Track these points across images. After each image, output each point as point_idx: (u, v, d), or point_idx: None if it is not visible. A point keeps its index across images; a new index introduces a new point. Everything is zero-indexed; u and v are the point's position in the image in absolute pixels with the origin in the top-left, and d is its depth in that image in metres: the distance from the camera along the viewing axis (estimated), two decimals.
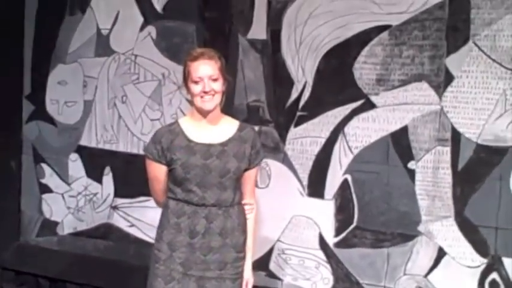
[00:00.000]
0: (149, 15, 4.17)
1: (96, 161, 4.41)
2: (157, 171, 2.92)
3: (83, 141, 4.46)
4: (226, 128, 2.90)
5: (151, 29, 4.17)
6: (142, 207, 4.20)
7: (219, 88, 2.82)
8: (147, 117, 4.21)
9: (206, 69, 2.80)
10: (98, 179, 4.41)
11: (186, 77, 2.85)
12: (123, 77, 4.28)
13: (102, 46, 4.33)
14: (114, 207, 4.36)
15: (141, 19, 4.19)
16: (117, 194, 4.34)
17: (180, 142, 2.86)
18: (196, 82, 2.79)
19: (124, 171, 4.28)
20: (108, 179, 4.38)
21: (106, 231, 4.40)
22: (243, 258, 2.94)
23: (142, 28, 4.20)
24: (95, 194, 4.42)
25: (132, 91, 4.25)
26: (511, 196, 3.22)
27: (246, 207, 2.97)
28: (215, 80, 2.81)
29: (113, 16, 4.28)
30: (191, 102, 2.90)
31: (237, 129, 2.91)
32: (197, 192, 2.83)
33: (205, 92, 2.79)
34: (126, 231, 4.32)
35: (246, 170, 2.92)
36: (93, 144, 4.43)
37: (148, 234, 4.12)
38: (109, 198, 4.38)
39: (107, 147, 4.37)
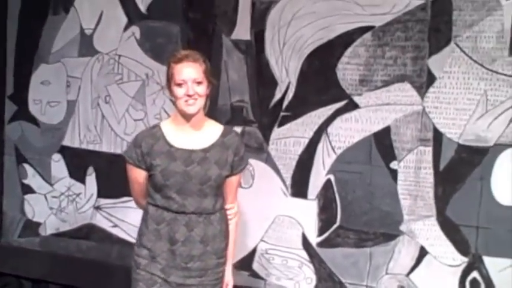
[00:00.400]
0: (133, 15, 4.15)
1: (79, 162, 4.39)
2: (137, 175, 2.88)
3: (66, 142, 4.43)
4: (209, 133, 2.85)
5: (135, 29, 4.16)
6: (125, 208, 4.18)
7: (202, 92, 2.77)
8: (131, 118, 4.20)
9: (190, 72, 2.74)
10: (81, 180, 4.39)
11: (170, 79, 2.79)
12: (106, 77, 4.26)
13: (86, 46, 4.31)
14: (97, 208, 4.34)
15: (125, 19, 4.18)
16: (100, 194, 4.32)
17: (160, 147, 2.80)
18: (179, 85, 2.74)
19: (107, 171, 4.27)
20: (91, 179, 4.36)
21: (89, 231, 4.37)
22: (224, 263, 2.92)
23: (126, 28, 4.18)
24: (78, 195, 4.40)
25: (115, 91, 4.24)
26: (491, 196, 3.25)
27: (228, 212, 2.94)
28: (199, 83, 2.75)
29: (97, 16, 4.26)
30: (174, 104, 2.85)
31: (220, 134, 2.86)
32: (177, 199, 2.78)
33: (189, 96, 2.73)
34: (109, 231, 4.31)
35: (228, 176, 2.88)
36: (76, 145, 4.41)
37: (131, 235, 4.11)
38: (92, 198, 4.36)
39: (90, 147, 4.35)
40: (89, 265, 4.29)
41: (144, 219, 2.89)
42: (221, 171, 2.82)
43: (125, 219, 4.21)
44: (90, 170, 4.35)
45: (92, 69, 4.31)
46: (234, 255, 3.06)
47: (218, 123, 2.94)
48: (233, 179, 2.92)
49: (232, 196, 2.97)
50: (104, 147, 4.30)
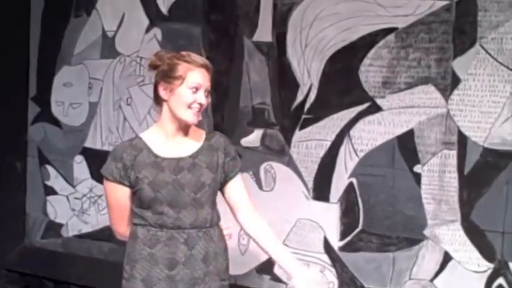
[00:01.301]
0: (155, 17, 4.16)
1: (101, 163, 4.35)
2: (119, 195, 2.59)
3: (88, 143, 4.45)
4: (194, 139, 2.64)
5: (156, 31, 4.16)
6: None
7: (207, 103, 2.60)
8: (152, 120, 4.19)
9: (206, 80, 2.56)
10: (103, 181, 4.39)
11: (178, 79, 2.52)
12: (128, 79, 4.27)
13: (108, 48, 4.33)
14: None
15: (146, 21, 4.18)
16: None
17: (144, 158, 2.54)
18: (193, 90, 2.52)
19: None
20: None
21: (111, 233, 4.27)
22: (227, 286, 2.67)
23: (147, 30, 4.19)
24: (100, 196, 4.41)
25: (137, 93, 4.24)
26: None
27: (251, 212, 2.70)
28: (208, 94, 2.59)
29: (119, 18, 4.27)
30: (160, 110, 2.60)
31: (205, 138, 2.66)
32: (170, 213, 2.51)
33: (200, 104, 2.53)
34: None
35: (226, 182, 2.65)
36: (98, 146, 4.42)
37: None
38: None
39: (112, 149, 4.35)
40: (110, 267, 4.29)
41: (133, 246, 2.58)
42: (215, 176, 2.60)
43: None
44: None
45: (113, 71, 4.33)
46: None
47: (200, 129, 2.73)
48: (235, 185, 2.67)
49: (247, 201, 2.68)
50: None
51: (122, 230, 2.68)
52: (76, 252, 4.47)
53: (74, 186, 4.52)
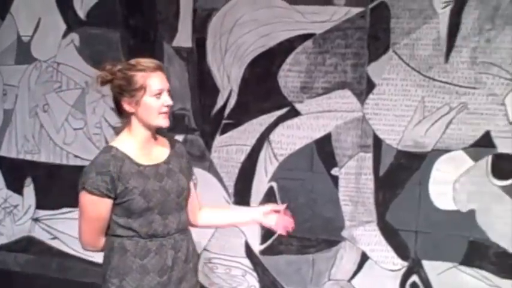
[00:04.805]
0: (72, 22, 4.08)
1: (16, 172, 4.27)
2: (102, 208, 2.50)
3: (3, 152, 4.31)
4: (162, 145, 2.64)
5: (74, 36, 4.08)
6: (65, 219, 4.09)
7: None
8: (70, 127, 4.11)
9: (165, 81, 2.54)
10: (19, 191, 4.28)
11: (140, 90, 2.48)
12: (45, 85, 4.17)
13: (23, 53, 4.21)
14: (36, 220, 4.23)
15: (63, 26, 4.10)
16: (39, 205, 4.21)
17: (128, 168, 2.50)
18: (157, 96, 2.49)
19: (46, 182, 4.16)
20: (29, 190, 4.25)
21: (27, 244, 4.26)
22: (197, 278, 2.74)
23: (65, 35, 4.11)
24: (15, 206, 4.29)
25: (54, 100, 4.15)
26: (429, 200, 3.30)
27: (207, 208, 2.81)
28: (170, 93, 2.55)
29: (34, 23, 4.17)
30: (128, 121, 2.54)
31: (169, 144, 2.66)
32: (159, 221, 2.53)
33: (167, 106, 2.51)
34: (49, 244, 4.20)
35: None
36: (13, 155, 4.29)
37: (71, 247, 4.04)
38: (30, 210, 4.25)
39: (28, 157, 4.24)
40: (27, 279, 4.18)
41: (120, 259, 2.54)
42: (187, 180, 2.65)
43: (64, 230, 4.11)
44: (28, 181, 4.24)
45: (29, 77, 4.22)
46: None
47: (160, 135, 2.68)
48: (192, 188, 2.73)
49: (201, 201, 2.80)
50: (43, 158, 4.19)
51: (97, 242, 2.59)
52: None
53: None
